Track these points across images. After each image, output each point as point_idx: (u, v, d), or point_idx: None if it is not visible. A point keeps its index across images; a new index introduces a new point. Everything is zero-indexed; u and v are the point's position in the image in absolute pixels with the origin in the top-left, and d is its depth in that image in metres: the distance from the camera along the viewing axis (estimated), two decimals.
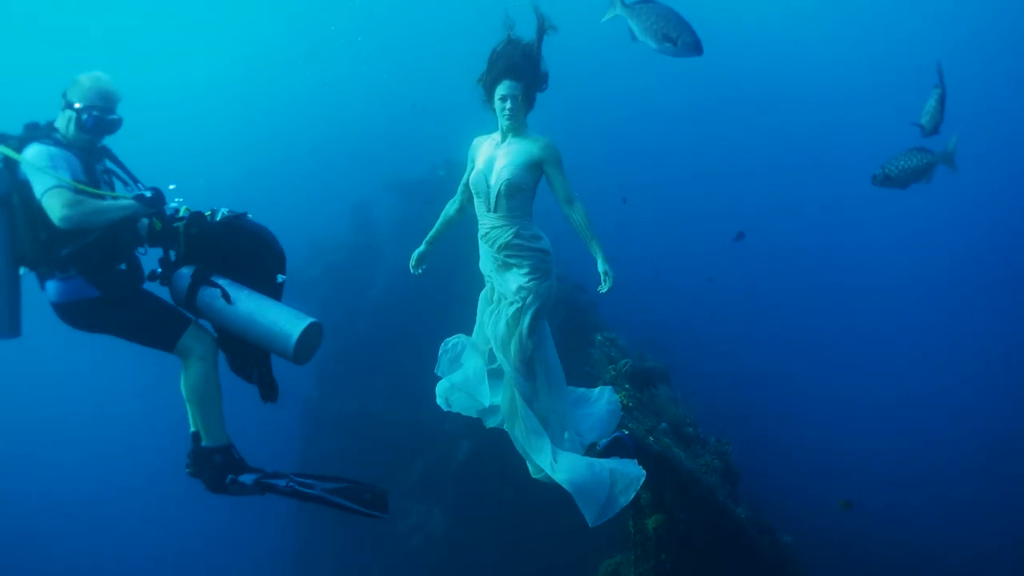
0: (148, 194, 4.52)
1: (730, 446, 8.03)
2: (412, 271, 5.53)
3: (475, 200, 5.06)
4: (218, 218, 4.64)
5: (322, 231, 21.30)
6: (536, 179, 4.89)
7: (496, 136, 5.01)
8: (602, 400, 5.99)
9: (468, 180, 5.10)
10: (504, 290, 5.06)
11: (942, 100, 6.44)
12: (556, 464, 4.88)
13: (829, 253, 28.49)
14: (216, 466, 4.62)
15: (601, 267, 4.84)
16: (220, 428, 4.67)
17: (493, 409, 5.61)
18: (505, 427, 5.38)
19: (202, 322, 4.66)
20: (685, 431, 7.73)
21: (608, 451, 5.53)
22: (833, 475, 16.16)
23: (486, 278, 5.30)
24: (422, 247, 5.47)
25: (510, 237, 4.90)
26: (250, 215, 4.76)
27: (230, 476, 4.61)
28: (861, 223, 29.43)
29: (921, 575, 13.63)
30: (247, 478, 4.60)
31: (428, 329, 18.34)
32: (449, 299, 18.03)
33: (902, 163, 6.58)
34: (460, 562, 13.02)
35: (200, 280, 4.51)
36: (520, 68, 4.73)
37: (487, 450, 11.97)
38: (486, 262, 5.17)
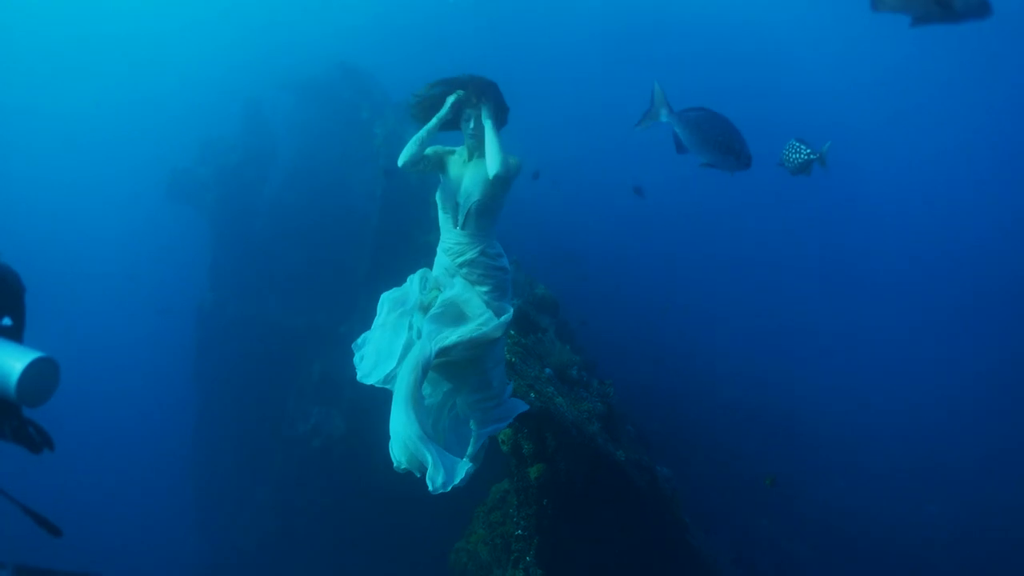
0: None
1: (612, 388, 8.14)
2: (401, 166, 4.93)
3: (440, 213, 4.98)
4: None
5: (213, 130, 19.81)
6: (503, 189, 4.80)
7: (463, 151, 4.97)
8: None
9: (436, 194, 5.00)
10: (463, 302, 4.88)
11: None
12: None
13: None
14: None
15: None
16: None
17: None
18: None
19: None
20: (569, 374, 7.86)
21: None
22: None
23: (430, 284, 5.09)
24: (416, 148, 4.87)
25: (475, 255, 4.85)
26: None
27: None
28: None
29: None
30: None
31: (322, 232, 17.40)
32: (342, 201, 16.77)
33: (791, 155, 6.83)
34: (359, 463, 13.13)
35: None
36: (484, 91, 4.79)
37: None
38: (441, 270, 5.03)
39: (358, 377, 5.10)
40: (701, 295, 21.80)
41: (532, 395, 6.33)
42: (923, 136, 32.35)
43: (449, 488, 4.48)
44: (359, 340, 5.24)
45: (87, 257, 32.11)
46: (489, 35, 30.23)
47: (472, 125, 4.82)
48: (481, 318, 4.82)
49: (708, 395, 17.23)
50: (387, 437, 4.66)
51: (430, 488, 4.43)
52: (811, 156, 6.76)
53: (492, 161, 4.63)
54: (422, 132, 4.87)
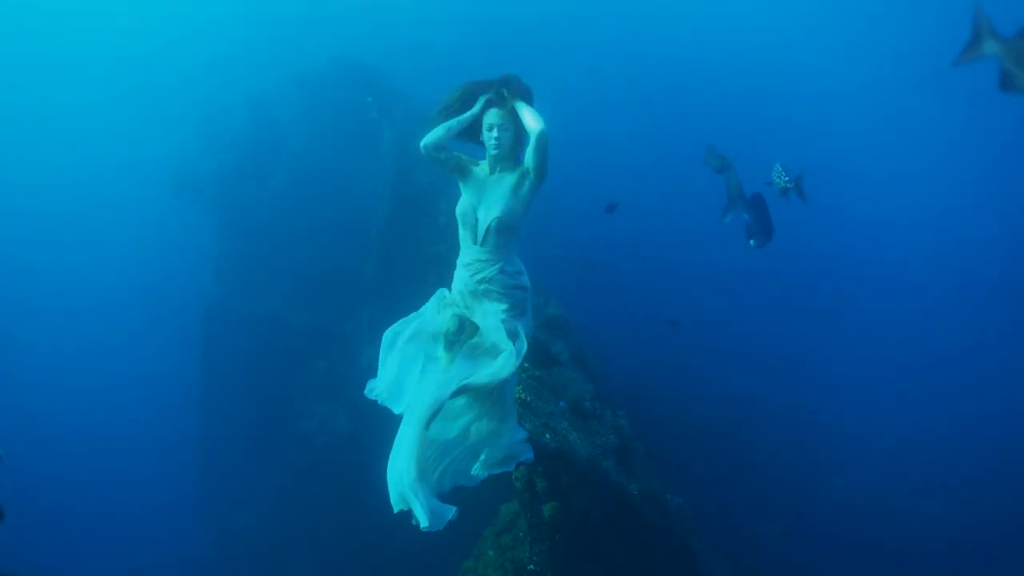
0: None
1: (625, 419, 8.33)
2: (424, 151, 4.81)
3: (460, 229, 4.90)
4: None
5: (217, 124, 19.87)
6: (525, 201, 4.76)
7: (484, 166, 4.89)
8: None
9: (456, 209, 4.89)
10: (479, 321, 4.92)
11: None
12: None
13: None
14: None
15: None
16: None
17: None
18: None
19: None
20: (582, 407, 7.97)
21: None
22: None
23: (449, 301, 5.08)
24: (443, 133, 4.79)
25: (495, 273, 4.80)
26: None
27: None
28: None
29: None
30: None
31: (328, 230, 17.31)
32: (348, 198, 16.71)
33: (776, 179, 7.03)
34: (364, 461, 16.30)
35: None
36: (518, 94, 4.73)
37: None
38: (461, 287, 4.98)
39: (373, 396, 5.02)
40: (710, 294, 21.67)
41: (547, 436, 6.36)
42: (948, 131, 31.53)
43: (434, 530, 4.47)
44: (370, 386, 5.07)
45: (92, 250, 32.20)
46: (504, 35, 29.31)
47: (496, 135, 4.73)
48: (502, 358, 4.73)
49: (711, 394, 17.21)
50: (394, 434, 4.68)
51: (420, 526, 4.47)
52: (788, 185, 6.91)
53: (535, 120, 4.58)
54: (453, 120, 4.79)
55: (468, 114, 4.79)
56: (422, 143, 4.78)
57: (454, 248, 4.97)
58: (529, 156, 4.65)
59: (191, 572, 17.10)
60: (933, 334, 23.78)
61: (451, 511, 4.53)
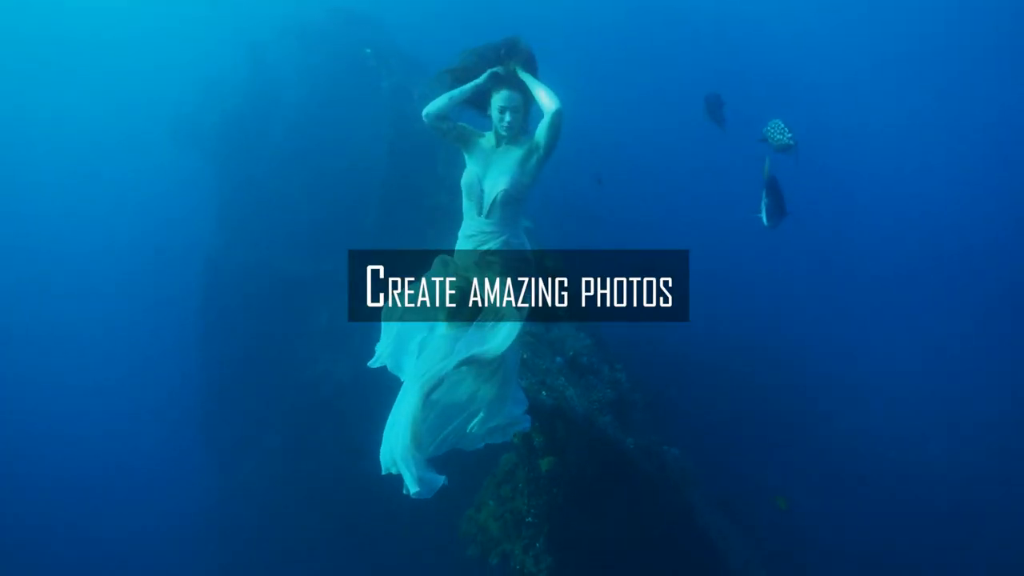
0: None
1: (623, 373, 8.35)
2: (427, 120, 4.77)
3: (464, 200, 4.84)
4: None
5: (215, 73, 19.68)
6: (532, 175, 4.72)
7: (489, 137, 4.82)
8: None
9: (461, 180, 4.81)
10: (481, 292, 4.85)
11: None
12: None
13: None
14: None
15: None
16: None
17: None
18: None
19: None
20: (580, 362, 8.01)
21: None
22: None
23: (451, 270, 4.96)
24: (446, 103, 4.74)
25: (499, 244, 4.75)
26: None
27: None
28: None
29: None
30: None
31: (329, 179, 17.21)
32: (348, 148, 16.52)
33: (775, 135, 7.07)
34: (369, 410, 16.51)
35: None
36: (525, 63, 4.65)
37: None
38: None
39: (379, 364, 5.07)
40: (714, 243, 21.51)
41: (544, 393, 6.40)
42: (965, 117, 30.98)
43: (423, 498, 4.49)
44: (376, 354, 5.11)
45: (93, 199, 32.17)
46: None
47: (509, 119, 4.64)
48: (505, 330, 4.72)
49: (712, 341, 17.21)
50: (394, 387, 4.67)
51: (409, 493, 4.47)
52: (789, 142, 6.89)
53: (550, 99, 4.51)
54: (455, 91, 4.73)
55: (471, 84, 4.72)
56: (424, 112, 4.73)
57: (454, 199, 4.94)
58: (541, 133, 4.61)
59: (198, 521, 17.31)
60: (936, 278, 23.84)
61: (440, 480, 4.54)
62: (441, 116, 4.73)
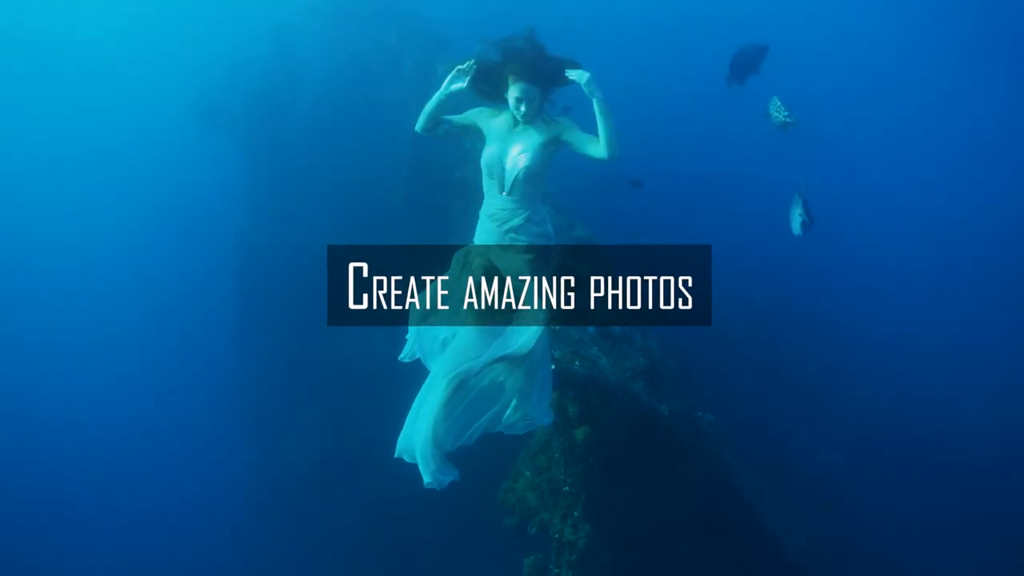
0: None
1: (655, 340, 8.40)
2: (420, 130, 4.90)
3: (485, 179, 4.89)
4: None
5: (239, 52, 19.66)
6: (552, 156, 4.80)
7: (508, 116, 4.83)
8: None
9: (481, 159, 4.85)
10: (504, 277, 4.94)
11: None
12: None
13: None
14: None
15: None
16: None
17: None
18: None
19: None
20: (612, 330, 8.04)
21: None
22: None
23: (469, 261, 5.04)
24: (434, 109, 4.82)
25: (522, 221, 4.82)
26: None
27: None
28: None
29: None
30: None
31: (355, 156, 17.32)
32: (374, 125, 16.43)
33: (773, 112, 7.18)
34: (405, 386, 16.85)
35: None
36: (539, 70, 4.64)
37: None
38: (487, 238, 4.98)
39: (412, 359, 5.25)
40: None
41: (577, 363, 6.47)
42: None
43: (435, 489, 4.66)
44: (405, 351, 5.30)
45: (121, 185, 32.39)
46: None
47: (524, 108, 4.64)
48: (532, 329, 4.80)
49: (742, 304, 17.12)
50: (424, 368, 4.82)
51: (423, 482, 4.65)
52: (788, 119, 7.02)
53: (608, 146, 4.54)
54: (428, 105, 4.78)
55: (437, 95, 4.76)
56: (416, 129, 4.84)
57: (478, 172, 4.94)
58: (579, 147, 4.65)
59: (237, 496, 17.61)
60: (966, 235, 23.55)
61: (451, 477, 4.68)
62: (430, 127, 4.83)
